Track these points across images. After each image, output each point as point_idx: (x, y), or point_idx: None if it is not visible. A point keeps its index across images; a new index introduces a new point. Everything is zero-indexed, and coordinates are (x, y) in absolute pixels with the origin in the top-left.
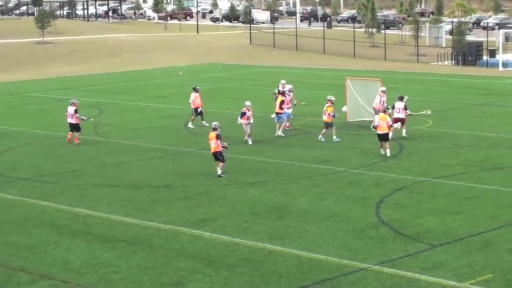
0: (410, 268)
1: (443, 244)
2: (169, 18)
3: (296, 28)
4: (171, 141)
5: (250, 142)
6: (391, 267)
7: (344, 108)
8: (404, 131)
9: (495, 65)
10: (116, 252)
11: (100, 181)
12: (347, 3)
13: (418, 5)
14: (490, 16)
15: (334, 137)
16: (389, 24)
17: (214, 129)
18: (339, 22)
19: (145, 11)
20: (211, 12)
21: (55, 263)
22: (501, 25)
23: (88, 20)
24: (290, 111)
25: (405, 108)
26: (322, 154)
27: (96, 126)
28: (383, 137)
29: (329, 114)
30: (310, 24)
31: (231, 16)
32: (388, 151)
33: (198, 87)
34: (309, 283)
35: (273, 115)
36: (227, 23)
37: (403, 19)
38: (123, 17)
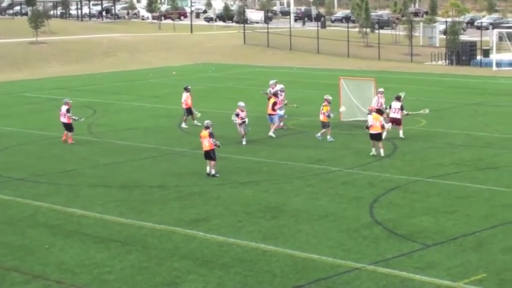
0: (404, 268)
1: (437, 243)
2: (163, 18)
3: (290, 28)
4: (165, 141)
5: (244, 142)
6: (385, 266)
7: (342, 109)
8: (401, 132)
9: (489, 64)
10: (110, 252)
11: (94, 181)
12: (341, 3)
13: (412, 5)
14: (484, 16)
15: (328, 137)
16: (383, 24)
17: (207, 128)
18: (333, 22)
19: (138, 11)
20: (205, 12)
21: (49, 263)
22: (495, 25)
23: (81, 20)
24: (282, 112)
25: (402, 109)
26: (316, 154)
27: (89, 126)
28: (376, 137)
29: (324, 114)
30: (304, 24)
31: (225, 16)
32: (381, 150)
33: (189, 87)
34: (303, 283)
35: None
36: (221, 23)
37: (397, 19)
38: (117, 17)
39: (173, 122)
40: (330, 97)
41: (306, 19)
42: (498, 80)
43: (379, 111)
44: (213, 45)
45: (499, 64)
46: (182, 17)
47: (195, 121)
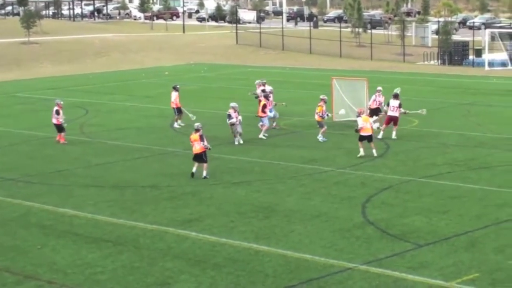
0: (396, 268)
1: (430, 243)
2: (155, 18)
3: (282, 28)
4: (157, 141)
5: (236, 143)
6: (377, 266)
7: (342, 111)
8: (394, 133)
9: (481, 64)
10: (102, 253)
11: (86, 181)
12: (333, 3)
13: (404, 5)
14: (476, 16)
15: (320, 136)
16: (375, 24)
17: (197, 130)
18: (325, 22)
19: (130, 11)
20: (197, 12)
21: (40, 264)
22: (487, 25)
23: (74, 20)
24: (273, 113)
25: (400, 106)
26: (308, 154)
27: (82, 126)
28: (368, 138)
29: (318, 114)
30: (296, 24)
31: (218, 16)
32: (374, 151)
33: (178, 86)
34: (295, 283)
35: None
36: (213, 23)
37: (390, 18)
38: (109, 17)
39: (166, 122)
40: (326, 97)
41: (298, 19)
42: (490, 80)
43: (377, 109)
44: (206, 45)
45: (491, 64)
46: (174, 17)
47: (179, 121)
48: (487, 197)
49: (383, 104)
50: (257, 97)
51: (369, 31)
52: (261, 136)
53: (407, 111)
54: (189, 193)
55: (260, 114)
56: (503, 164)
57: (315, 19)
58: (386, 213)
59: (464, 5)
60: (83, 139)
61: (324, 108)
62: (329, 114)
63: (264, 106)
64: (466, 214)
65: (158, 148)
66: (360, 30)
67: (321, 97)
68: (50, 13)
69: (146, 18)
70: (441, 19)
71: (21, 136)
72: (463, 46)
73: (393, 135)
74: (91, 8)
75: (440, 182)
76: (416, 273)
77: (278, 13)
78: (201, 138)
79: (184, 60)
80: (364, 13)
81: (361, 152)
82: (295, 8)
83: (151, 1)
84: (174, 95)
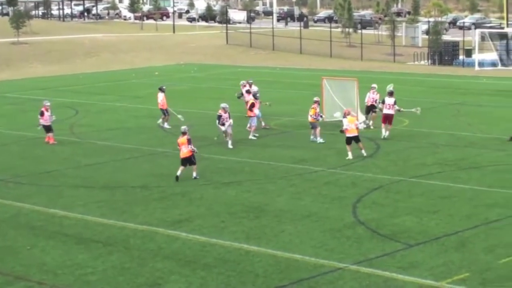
0: (387, 268)
1: (420, 243)
2: (145, 18)
3: (272, 28)
4: (147, 142)
5: (230, 146)
6: (368, 266)
7: (337, 114)
8: (388, 132)
9: (471, 64)
10: (92, 253)
11: (76, 182)
12: (323, 3)
13: (395, 5)
14: (466, 16)
15: (312, 136)
16: (365, 24)
17: (184, 133)
18: (315, 22)
19: (120, 11)
20: (187, 12)
21: (30, 264)
22: (477, 25)
23: (63, 20)
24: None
25: (395, 103)
26: (298, 154)
27: (71, 126)
28: (355, 139)
29: (311, 115)
30: (286, 24)
31: (208, 16)
32: (363, 151)
33: (164, 87)
34: (286, 283)
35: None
36: (203, 23)
37: (380, 19)
38: (99, 17)
39: (155, 123)
40: (319, 99)
41: (288, 19)
42: (480, 80)
43: (373, 106)
44: (196, 45)
45: (481, 64)
46: (164, 17)
47: (160, 121)
48: (477, 197)
49: (378, 101)
50: (239, 97)
51: (359, 31)
52: (251, 137)
53: (402, 109)
54: (179, 193)
55: (249, 113)
56: (493, 164)
57: (305, 19)
58: (376, 213)
59: (454, 5)
60: (73, 140)
61: (317, 110)
62: (323, 116)
63: (252, 105)
64: (456, 214)
65: (148, 148)
66: (350, 30)
67: (315, 99)
68: (40, 13)
69: (136, 18)
70: (431, 19)
71: (11, 137)
72: (453, 46)
73: (386, 135)
74: (80, 8)
75: (431, 182)
76: (407, 273)
77: (268, 13)
78: (189, 141)
79: (174, 60)
80: (354, 13)
81: (350, 155)
82: (286, 8)
83: (141, 1)
84: (161, 96)
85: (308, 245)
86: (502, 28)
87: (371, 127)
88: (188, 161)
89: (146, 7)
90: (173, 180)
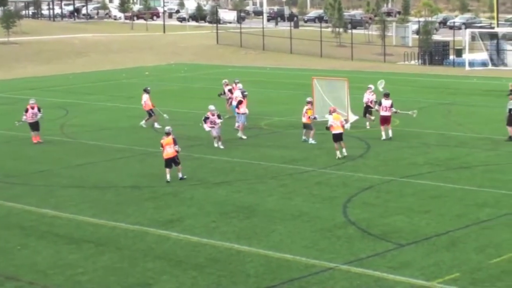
0: (377, 267)
1: (411, 243)
2: (135, 18)
3: (263, 28)
4: (138, 142)
5: (221, 147)
6: (358, 266)
7: (328, 116)
8: (390, 132)
9: (462, 64)
10: (83, 253)
11: (67, 182)
12: (314, 3)
13: (385, 5)
14: (456, 16)
15: (304, 137)
16: (356, 24)
17: (168, 134)
18: (306, 22)
19: (110, 11)
20: (177, 12)
21: (21, 265)
22: (467, 25)
23: (53, 20)
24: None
25: (391, 106)
26: (289, 154)
27: (62, 126)
28: (339, 137)
29: (309, 117)
30: (277, 24)
31: (198, 16)
32: (344, 150)
33: (149, 88)
34: (277, 283)
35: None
36: (193, 23)
37: (370, 18)
38: (89, 17)
39: (151, 123)
40: (312, 99)
41: (279, 19)
42: (471, 79)
43: (368, 107)
44: (186, 45)
45: (471, 64)
46: (154, 17)
47: (143, 122)
48: (467, 197)
49: (373, 101)
50: (220, 94)
51: (349, 31)
52: (240, 135)
53: (398, 111)
54: (170, 193)
55: (237, 111)
56: (483, 164)
57: (295, 19)
58: (367, 213)
59: (445, 5)
60: (64, 140)
61: (313, 110)
62: (317, 117)
63: (240, 103)
64: (447, 213)
65: (139, 148)
66: (341, 30)
67: (308, 99)
68: (30, 13)
69: (126, 18)
70: (422, 19)
71: (2, 137)
72: (444, 46)
73: (390, 134)
74: (71, 8)
75: (421, 182)
76: (397, 273)
77: (258, 13)
78: (174, 141)
79: (165, 60)
80: (345, 13)
81: (338, 154)
82: (276, 8)
83: (131, 1)
84: (145, 97)
85: (299, 245)
86: (493, 28)
87: (367, 127)
88: (172, 161)
89: (136, 7)
90: (164, 180)
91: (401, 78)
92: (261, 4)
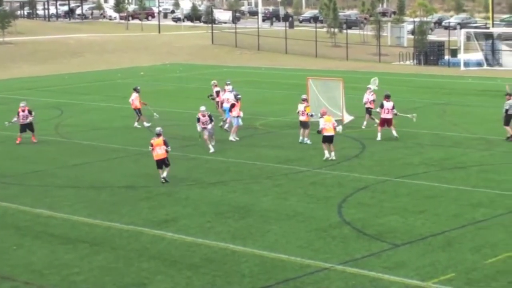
0: (373, 268)
1: (406, 243)
2: (130, 18)
3: (258, 28)
4: (133, 142)
5: (212, 150)
6: (354, 266)
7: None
8: (394, 132)
9: (457, 64)
10: (78, 253)
11: (63, 182)
12: (309, 3)
13: (380, 5)
14: (451, 16)
15: (301, 137)
16: (351, 24)
17: (159, 135)
18: (301, 22)
19: (104, 11)
20: (172, 12)
21: (17, 265)
22: (462, 25)
23: (49, 20)
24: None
25: (393, 108)
26: (284, 154)
27: (57, 126)
28: (330, 139)
29: (307, 114)
30: (272, 24)
31: (193, 16)
32: (333, 153)
33: (139, 88)
34: (272, 283)
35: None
36: (189, 23)
37: (365, 19)
38: (84, 17)
39: (141, 123)
40: (307, 97)
41: (274, 19)
42: (466, 80)
43: (368, 108)
44: (181, 45)
45: (467, 64)
46: (149, 17)
47: (136, 123)
48: (462, 197)
49: (373, 100)
50: (210, 96)
51: (344, 31)
52: (231, 138)
53: (398, 113)
54: (165, 193)
55: (231, 113)
56: (478, 164)
57: (290, 19)
58: (362, 213)
59: (440, 5)
60: (59, 140)
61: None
62: (314, 114)
63: (232, 106)
64: (442, 214)
65: (134, 148)
66: (336, 30)
67: (304, 97)
68: (25, 13)
69: (121, 18)
70: (417, 19)
71: None
72: (439, 46)
73: (394, 134)
74: (66, 8)
75: (416, 182)
76: (393, 273)
77: (253, 13)
78: (165, 142)
79: (160, 60)
80: (340, 13)
81: (326, 154)
82: (271, 8)
83: (126, 1)
84: (134, 96)
85: (294, 245)
86: (488, 28)
87: (363, 127)
88: (163, 162)
89: (131, 7)
90: (159, 180)
91: (396, 78)
92: (256, 4)
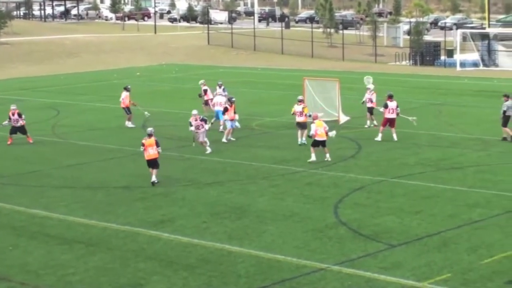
0: (369, 268)
1: (402, 243)
2: (126, 18)
3: (254, 28)
4: (129, 142)
5: (208, 150)
6: (350, 267)
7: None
8: (395, 135)
9: (453, 65)
10: (74, 254)
11: (59, 182)
12: (305, 4)
13: (376, 5)
14: (447, 16)
15: (299, 139)
16: (347, 24)
17: (150, 135)
18: (297, 22)
19: (100, 11)
20: (169, 12)
21: (12, 265)
22: (458, 25)
23: (45, 21)
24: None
25: (397, 107)
26: (280, 154)
27: (53, 127)
28: (322, 143)
29: (306, 115)
30: (268, 24)
31: (189, 16)
32: (327, 155)
33: (129, 87)
34: (268, 283)
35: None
36: (185, 24)
37: (361, 19)
38: (80, 17)
39: (137, 123)
40: (303, 97)
41: (270, 19)
42: (462, 80)
43: (370, 110)
44: (177, 45)
45: (463, 64)
46: (146, 18)
47: (130, 123)
48: (458, 197)
49: (371, 98)
50: (200, 94)
51: (340, 31)
52: (224, 140)
53: (400, 114)
54: (161, 194)
55: (224, 117)
56: (474, 165)
57: (286, 19)
58: (358, 213)
59: (436, 6)
60: (55, 140)
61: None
62: (311, 114)
63: (226, 110)
64: (439, 214)
65: (130, 149)
66: (332, 30)
67: (300, 98)
68: (21, 13)
69: (117, 18)
70: (413, 20)
71: None
72: (435, 47)
73: (394, 137)
74: (62, 8)
75: (412, 182)
76: (389, 273)
77: (249, 14)
78: (157, 143)
79: (156, 60)
80: (336, 14)
81: (313, 157)
82: (267, 8)
83: (122, 1)
84: (124, 94)
85: (290, 245)
86: (484, 28)
87: (366, 127)
88: (154, 163)
89: (127, 8)
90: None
91: (392, 78)
92: (252, 5)
